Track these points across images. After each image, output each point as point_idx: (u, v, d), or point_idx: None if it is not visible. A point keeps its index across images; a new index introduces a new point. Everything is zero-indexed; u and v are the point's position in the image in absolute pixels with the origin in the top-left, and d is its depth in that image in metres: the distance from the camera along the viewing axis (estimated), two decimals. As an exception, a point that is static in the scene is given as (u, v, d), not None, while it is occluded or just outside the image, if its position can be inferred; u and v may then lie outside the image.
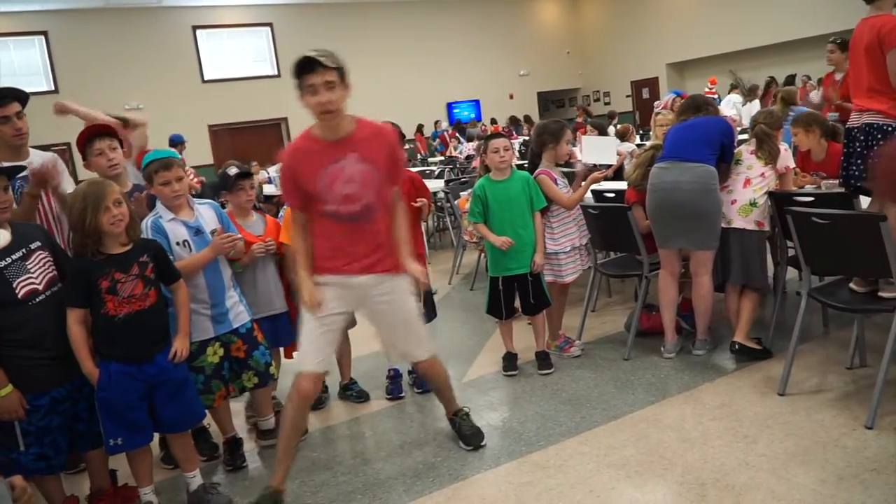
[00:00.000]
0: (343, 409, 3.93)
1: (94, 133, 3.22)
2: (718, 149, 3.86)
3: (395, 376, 4.04)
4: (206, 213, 3.23)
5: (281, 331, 3.63)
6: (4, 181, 2.69)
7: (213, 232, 3.17)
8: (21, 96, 3.22)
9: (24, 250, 2.65)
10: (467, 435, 3.30)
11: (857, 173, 3.43)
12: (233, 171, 3.54)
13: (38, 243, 2.72)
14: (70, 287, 2.71)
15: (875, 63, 3.30)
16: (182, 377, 2.91)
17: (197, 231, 3.15)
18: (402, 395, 3.98)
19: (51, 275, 2.71)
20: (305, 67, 2.67)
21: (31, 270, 2.65)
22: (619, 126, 9.22)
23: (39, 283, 2.66)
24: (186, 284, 3.05)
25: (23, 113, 3.20)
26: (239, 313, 3.27)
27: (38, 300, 2.63)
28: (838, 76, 6.51)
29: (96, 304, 2.69)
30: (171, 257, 3.01)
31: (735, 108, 10.56)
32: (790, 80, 11.68)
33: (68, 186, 3.27)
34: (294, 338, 3.53)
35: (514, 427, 3.44)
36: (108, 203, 2.66)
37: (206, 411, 3.16)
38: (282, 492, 2.92)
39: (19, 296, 2.59)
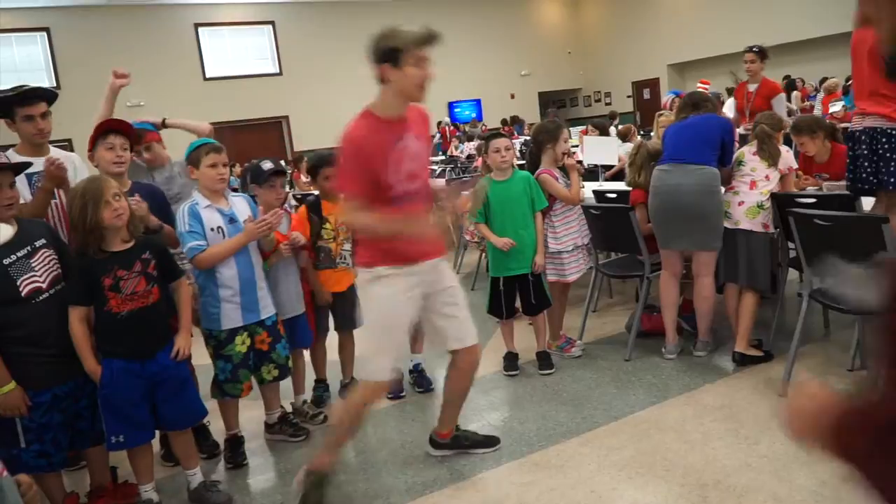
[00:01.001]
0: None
1: (111, 127, 3.22)
2: (719, 148, 3.87)
3: (395, 376, 4.04)
4: (239, 205, 3.31)
5: (299, 332, 3.65)
6: (10, 177, 2.68)
7: (246, 221, 3.22)
8: (49, 96, 3.29)
9: (28, 248, 2.65)
10: (482, 440, 3.29)
11: (864, 176, 3.40)
12: (267, 165, 3.49)
13: (44, 241, 2.72)
14: (73, 285, 2.71)
15: (879, 67, 3.29)
16: (184, 375, 2.92)
17: (231, 219, 3.22)
18: (403, 394, 3.98)
19: (55, 273, 2.71)
20: (431, 40, 2.69)
21: (36, 268, 2.65)
22: (620, 126, 9.21)
23: (43, 282, 2.66)
24: (218, 270, 3.14)
25: (48, 112, 3.26)
26: (267, 305, 3.32)
27: (41, 298, 2.63)
28: (752, 87, 6.23)
29: (99, 302, 2.69)
30: (204, 242, 3.09)
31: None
32: (791, 83, 11.67)
33: None
34: (310, 339, 3.73)
35: (515, 427, 3.44)
36: (107, 197, 2.66)
37: (208, 409, 3.17)
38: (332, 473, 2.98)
39: (23, 294, 2.59)
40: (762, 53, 6.21)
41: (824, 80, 11.63)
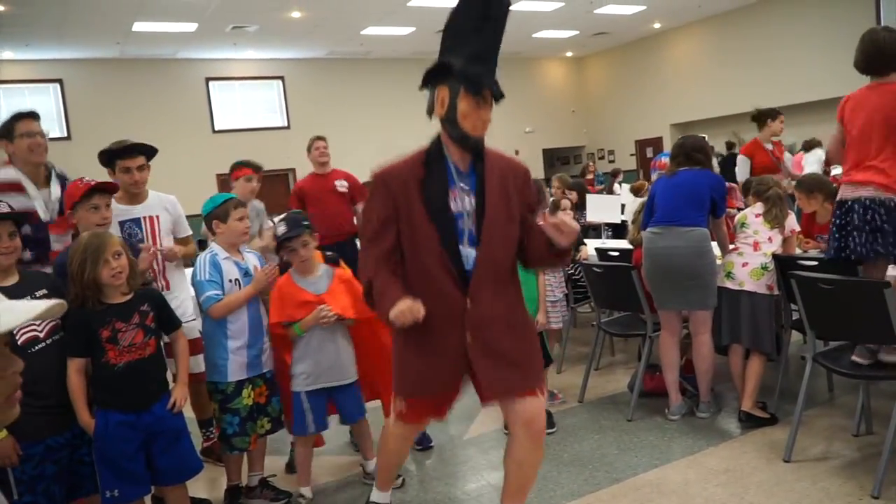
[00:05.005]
0: (337, 462, 3.86)
1: (98, 188, 3.17)
2: (709, 207, 3.90)
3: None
4: (252, 260, 3.40)
5: (349, 404, 3.39)
6: (10, 227, 2.67)
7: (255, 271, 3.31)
8: (147, 151, 3.61)
9: (28, 298, 2.65)
10: None
11: (852, 245, 3.30)
12: (280, 230, 3.27)
13: (45, 291, 2.72)
14: (71, 337, 2.70)
15: (891, 137, 3.20)
16: (179, 427, 2.89)
17: (246, 272, 3.29)
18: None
19: (53, 323, 2.70)
20: None
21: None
22: (635, 182, 9.30)
23: (41, 331, 2.65)
24: (229, 321, 3.19)
25: (145, 166, 3.58)
26: (269, 358, 3.35)
27: (37, 348, 2.62)
28: (769, 146, 6.25)
29: (97, 354, 2.68)
30: (221, 292, 3.16)
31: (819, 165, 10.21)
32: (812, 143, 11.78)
33: (184, 229, 3.79)
34: (362, 412, 3.46)
35: (515, 488, 3.37)
36: (107, 255, 2.68)
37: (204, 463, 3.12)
38: None
39: (19, 342, 2.57)
40: None
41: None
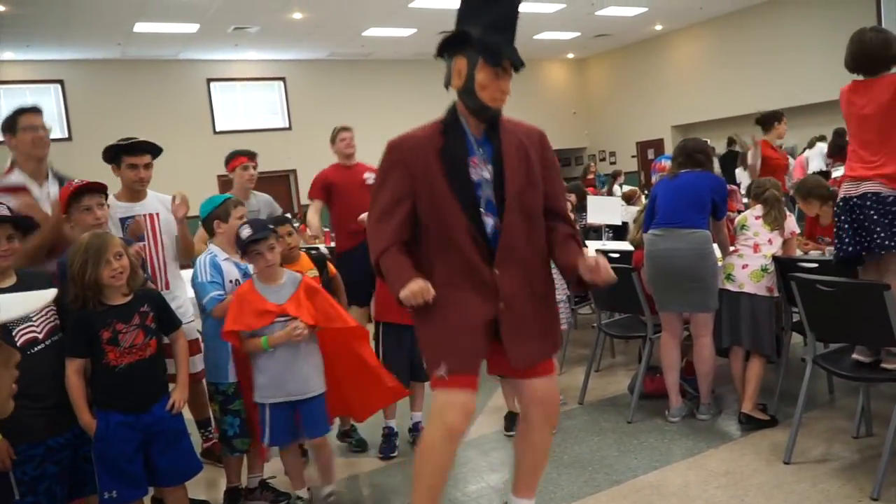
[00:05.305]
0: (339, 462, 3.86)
1: (85, 188, 3.15)
2: (710, 209, 3.89)
3: (389, 434, 3.95)
4: None
5: (311, 418, 3.16)
6: (8, 230, 2.67)
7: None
8: (154, 150, 3.65)
9: (26, 299, 2.64)
10: None
11: (880, 240, 3.16)
12: (245, 233, 3.09)
13: (43, 293, 2.71)
14: (70, 337, 2.69)
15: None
16: (179, 428, 2.89)
17: (245, 273, 3.28)
18: (394, 454, 3.89)
19: (52, 324, 2.70)
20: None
21: (33, 319, 2.63)
22: (626, 189, 9.25)
23: (40, 332, 2.64)
24: None
25: (151, 164, 3.63)
26: None
27: (36, 349, 2.61)
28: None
29: (97, 355, 2.68)
30: (224, 293, 3.16)
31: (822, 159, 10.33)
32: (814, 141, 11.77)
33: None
34: (323, 429, 3.25)
35: (515, 489, 3.37)
36: (108, 256, 2.67)
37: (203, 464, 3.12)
38: None
39: (18, 343, 2.56)
40: None
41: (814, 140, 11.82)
